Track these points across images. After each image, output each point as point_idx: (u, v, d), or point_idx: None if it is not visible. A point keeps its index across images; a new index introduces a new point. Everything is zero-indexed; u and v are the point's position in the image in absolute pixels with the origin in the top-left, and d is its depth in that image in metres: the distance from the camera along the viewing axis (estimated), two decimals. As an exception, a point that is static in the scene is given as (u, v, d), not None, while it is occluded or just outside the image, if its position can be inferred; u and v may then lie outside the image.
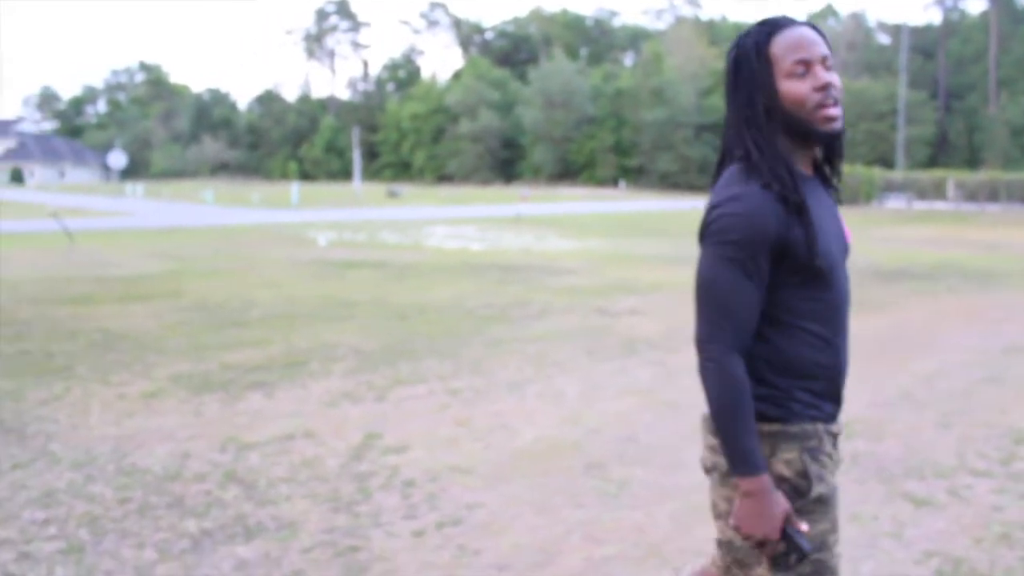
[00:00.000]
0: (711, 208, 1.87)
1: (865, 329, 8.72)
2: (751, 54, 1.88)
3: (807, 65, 1.84)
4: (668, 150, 65.78)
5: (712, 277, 1.85)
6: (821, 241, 1.84)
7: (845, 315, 1.96)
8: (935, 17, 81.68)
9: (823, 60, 1.86)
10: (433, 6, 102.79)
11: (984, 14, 71.56)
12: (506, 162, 78.28)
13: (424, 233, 22.79)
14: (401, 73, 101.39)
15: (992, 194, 43.44)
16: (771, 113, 1.86)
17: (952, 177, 45.13)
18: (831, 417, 1.94)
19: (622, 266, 14.79)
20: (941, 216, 35.13)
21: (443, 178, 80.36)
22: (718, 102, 66.73)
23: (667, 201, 49.04)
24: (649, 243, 20.07)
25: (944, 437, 5.21)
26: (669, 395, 6.12)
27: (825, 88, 1.83)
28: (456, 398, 6.04)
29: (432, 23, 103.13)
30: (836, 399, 1.96)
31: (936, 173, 47.12)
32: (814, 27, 1.92)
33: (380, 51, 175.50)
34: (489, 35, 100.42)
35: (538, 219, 29.21)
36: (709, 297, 1.85)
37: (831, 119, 1.85)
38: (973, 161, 59.74)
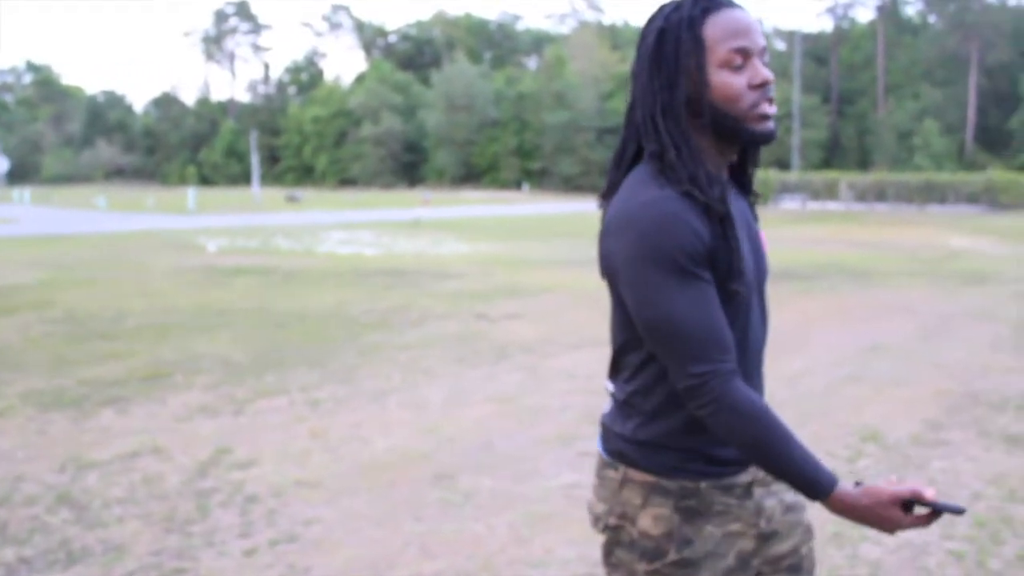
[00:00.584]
0: (624, 220, 1.53)
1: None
2: (681, 31, 1.56)
3: (746, 56, 1.54)
4: (570, 153, 66.49)
5: (668, 305, 1.49)
6: (743, 262, 1.56)
7: (757, 354, 1.65)
8: (827, 25, 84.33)
9: (762, 52, 1.58)
10: (335, 8, 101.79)
11: (872, 23, 74.19)
12: (409, 166, 78.00)
13: (319, 239, 22.46)
14: (303, 76, 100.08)
15: (880, 194, 45.09)
16: (694, 105, 1.56)
17: (843, 179, 46.68)
18: (728, 468, 1.61)
19: (512, 270, 14.81)
20: (832, 216, 36.25)
21: (346, 182, 79.60)
22: (619, 105, 67.34)
23: (569, 204, 49.44)
24: (544, 246, 20.17)
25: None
26: (533, 401, 6.11)
27: (763, 86, 1.55)
28: (316, 409, 5.92)
29: (335, 26, 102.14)
30: None
31: (829, 174, 48.64)
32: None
33: (281, 54, 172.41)
34: (392, 38, 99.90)
35: (438, 223, 29.11)
36: (673, 329, 1.50)
37: (766, 118, 1.57)
38: (864, 163, 61.89)
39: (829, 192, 46.10)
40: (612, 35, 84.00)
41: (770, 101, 1.58)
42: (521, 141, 70.49)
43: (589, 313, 9.95)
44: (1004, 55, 62.13)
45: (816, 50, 74.34)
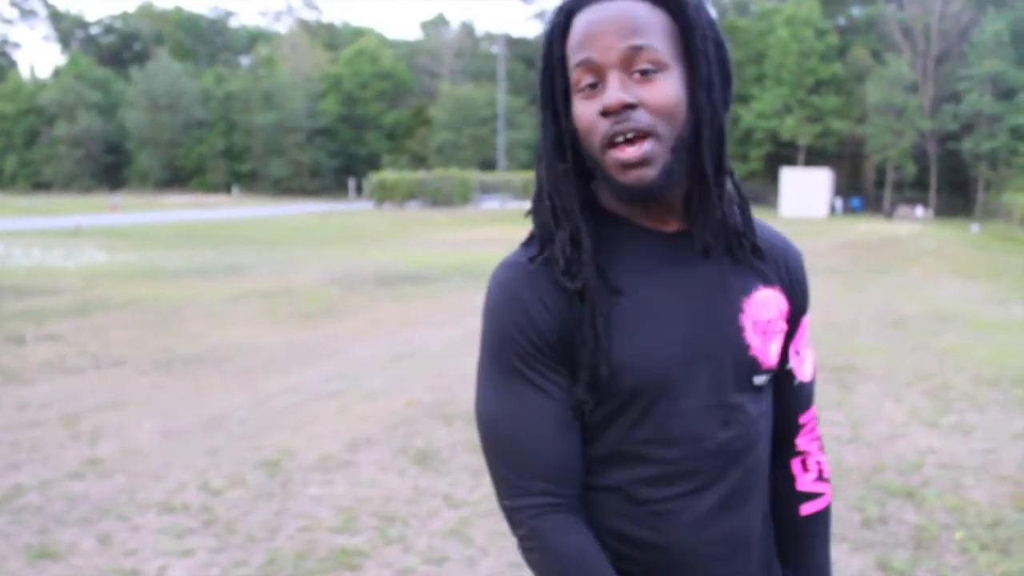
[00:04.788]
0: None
1: (292, 338, 8.58)
2: (548, 46, 1.18)
3: (597, 72, 1.13)
4: (280, 155, 64.75)
5: (486, 407, 1.20)
6: (624, 347, 1.16)
7: (694, 465, 1.21)
8: (537, 29, 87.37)
9: (625, 59, 1.11)
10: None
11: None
12: (111, 168, 72.92)
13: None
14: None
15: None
16: (562, 145, 1.18)
17: (539, 179, 48.39)
18: None
19: (127, 283, 13.75)
20: (523, 215, 37.31)
21: (40, 186, 73.19)
22: (330, 107, 66.87)
23: (276, 207, 48.01)
24: (199, 255, 19.09)
25: (203, 460, 4.95)
26: (-63, 444, 5.40)
27: (614, 111, 1.10)
28: None
29: (26, 13, 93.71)
30: None
31: (527, 174, 50.30)
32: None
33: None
34: (95, 30, 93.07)
35: (108, 230, 27.08)
36: (491, 438, 1.20)
37: (622, 165, 1.12)
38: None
39: (530, 191, 47.64)
40: (329, 34, 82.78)
41: (627, 138, 1.11)
42: (229, 142, 67.77)
43: (132, 331, 9.31)
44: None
45: (527, 54, 76.85)
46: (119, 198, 47.68)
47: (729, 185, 1.23)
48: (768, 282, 1.26)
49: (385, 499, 4.44)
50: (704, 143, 1.15)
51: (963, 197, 52.56)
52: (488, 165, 60.31)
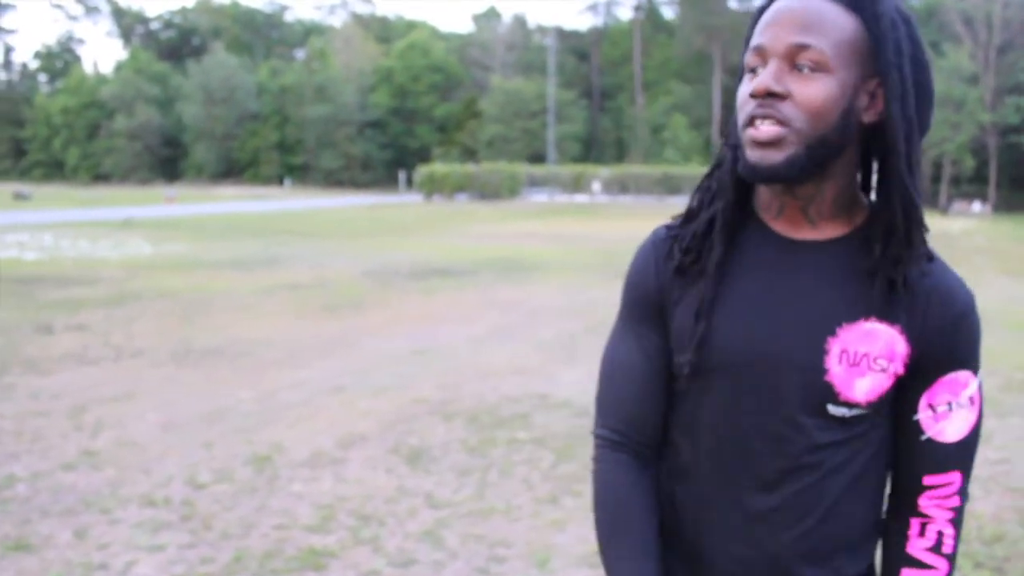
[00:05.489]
0: None
1: (315, 331, 8.61)
2: (748, 29, 1.24)
3: (762, 57, 1.18)
4: (332, 147, 65.27)
5: (606, 345, 1.37)
6: (714, 328, 1.23)
7: (732, 452, 1.24)
8: (589, 22, 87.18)
9: (789, 52, 1.16)
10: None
11: (631, 21, 77.08)
12: (168, 161, 74.23)
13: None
14: (57, 63, 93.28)
15: (624, 187, 46.88)
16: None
17: (587, 172, 48.18)
18: None
19: (166, 274, 13.93)
20: (572, 209, 37.25)
21: (100, 178, 74.77)
22: (381, 99, 67.27)
23: (328, 199, 48.52)
24: (242, 246, 19.27)
25: (197, 453, 4.96)
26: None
27: (758, 96, 1.16)
28: None
29: (90, 9, 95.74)
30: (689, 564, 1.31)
31: (578, 168, 50.07)
32: None
33: (31, 37, 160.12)
34: (155, 25, 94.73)
35: (159, 222, 27.54)
36: (599, 372, 1.36)
37: (753, 144, 1.17)
38: (621, 157, 64.21)
39: (578, 185, 47.47)
40: (382, 27, 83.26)
41: (763, 120, 1.16)
42: (282, 135, 68.51)
43: (157, 323, 9.42)
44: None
45: (579, 46, 76.53)
46: (174, 190, 48.49)
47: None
48: (886, 317, 1.21)
49: (366, 498, 4.40)
50: (899, 157, 1.17)
51: (1024, 192, 51.16)
52: (538, 158, 60.17)
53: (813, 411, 1.20)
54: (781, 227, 1.24)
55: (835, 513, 1.24)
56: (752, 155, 1.17)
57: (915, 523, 1.29)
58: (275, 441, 5.32)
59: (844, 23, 1.16)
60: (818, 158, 1.16)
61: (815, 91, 1.14)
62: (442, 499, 4.39)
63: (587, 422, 5.77)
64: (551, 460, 5.03)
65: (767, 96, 1.15)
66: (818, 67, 1.14)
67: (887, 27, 1.16)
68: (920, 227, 1.20)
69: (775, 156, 1.15)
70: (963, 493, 1.28)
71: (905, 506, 1.30)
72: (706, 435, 1.26)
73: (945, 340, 1.22)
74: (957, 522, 1.29)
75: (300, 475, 4.74)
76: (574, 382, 6.85)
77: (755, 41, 1.18)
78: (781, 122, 1.14)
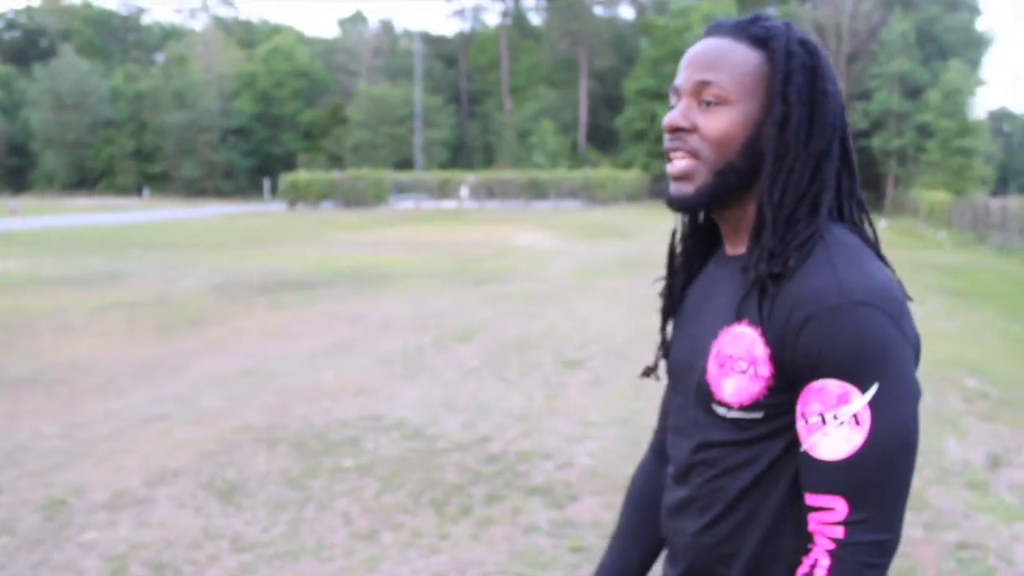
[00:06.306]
0: None
1: (143, 353, 8.05)
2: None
3: (678, 95, 1.30)
4: (193, 155, 62.99)
5: None
6: (670, 338, 1.46)
7: (670, 445, 1.41)
8: (457, 27, 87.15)
9: (695, 89, 1.27)
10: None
11: (499, 27, 77.35)
12: (14, 171, 70.09)
13: None
14: None
15: (491, 192, 46.95)
16: None
17: (453, 178, 48.06)
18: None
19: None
20: (437, 216, 36.92)
21: (-62, 191, 70.27)
22: (244, 105, 65.50)
23: (187, 209, 46.69)
24: (84, 261, 18.14)
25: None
26: None
27: (668, 131, 1.29)
28: None
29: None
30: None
31: (444, 174, 49.83)
32: (725, 33, 1.30)
33: None
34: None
35: (-3, 236, 25.87)
36: None
37: (670, 178, 1.30)
38: (490, 162, 64.26)
39: (446, 191, 47.23)
40: (245, 31, 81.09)
41: (675, 151, 1.28)
42: (140, 143, 65.70)
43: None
44: (608, 61, 67.15)
45: (447, 52, 76.33)
46: (17, 202, 45.67)
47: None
48: (752, 320, 1.23)
49: (165, 544, 4.02)
50: (766, 173, 1.23)
51: (875, 193, 53.62)
52: (406, 164, 59.68)
53: (705, 409, 1.28)
54: (727, 245, 1.35)
55: (734, 512, 1.26)
56: (671, 188, 1.29)
57: (809, 542, 1.21)
58: (75, 482, 4.86)
59: (747, 58, 1.26)
60: (728, 184, 1.26)
61: (717, 123, 1.24)
62: (249, 540, 4.06)
63: (419, 444, 5.52)
64: (375, 489, 4.75)
65: (675, 131, 1.27)
66: (720, 100, 1.24)
67: (781, 58, 1.24)
68: (779, 230, 1.22)
69: (686, 188, 1.27)
70: (854, 527, 1.15)
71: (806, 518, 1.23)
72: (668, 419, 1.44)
73: (803, 342, 1.17)
74: (839, 557, 1.15)
75: (96, 521, 4.32)
76: (413, 401, 6.58)
77: (674, 82, 1.30)
78: (690, 153, 1.26)
